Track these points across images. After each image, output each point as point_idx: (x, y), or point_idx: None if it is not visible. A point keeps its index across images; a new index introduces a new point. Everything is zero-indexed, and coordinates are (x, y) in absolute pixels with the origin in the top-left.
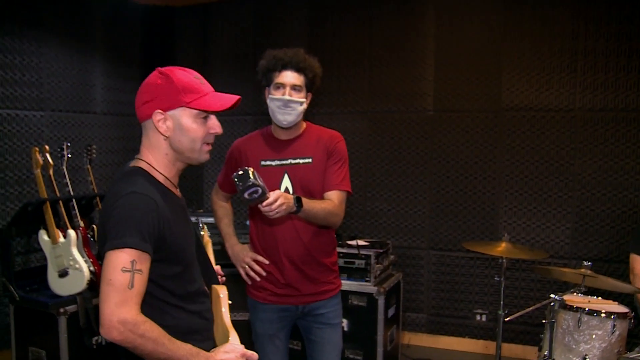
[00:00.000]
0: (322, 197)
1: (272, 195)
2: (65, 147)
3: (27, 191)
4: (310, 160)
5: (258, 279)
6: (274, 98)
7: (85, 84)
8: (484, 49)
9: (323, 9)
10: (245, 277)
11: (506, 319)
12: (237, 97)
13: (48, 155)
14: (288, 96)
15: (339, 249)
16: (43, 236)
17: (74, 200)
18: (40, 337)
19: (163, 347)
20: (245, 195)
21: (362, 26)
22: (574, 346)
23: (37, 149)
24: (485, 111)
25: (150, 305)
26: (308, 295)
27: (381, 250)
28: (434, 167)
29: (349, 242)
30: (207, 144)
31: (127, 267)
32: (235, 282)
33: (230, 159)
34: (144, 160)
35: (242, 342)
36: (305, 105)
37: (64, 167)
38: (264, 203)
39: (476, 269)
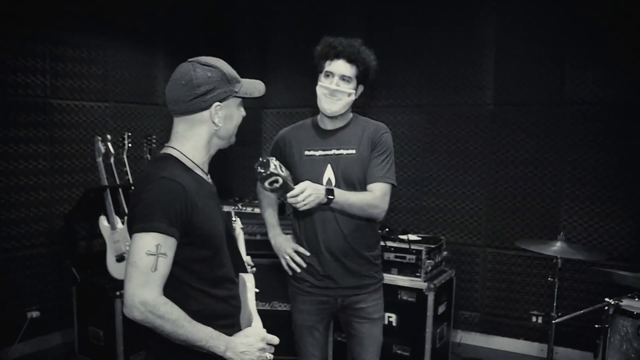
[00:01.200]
0: (364, 189)
1: (298, 187)
2: (126, 136)
3: (92, 179)
4: (354, 151)
5: (299, 270)
6: (322, 86)
7: (148, 76)
8: (547, 39)
9: (381, 0)
10: (286, 267)
11: (554, 321)
12: (260, 81)
13: (109, 145)
14: (335, 86)
15: (390, 243)
16: (103, 222)
17: (133, 188)
18: (99, 318)
19: (182, 329)
20: (266, 184)
21: (421, 17)
22: (632, 355)
23: (99, 138)
24: (547, 105)
25: (176, 289)
26: (348, 289)
27: (433, 246)
28: (492, 163)
29: (401, 237)
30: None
31: (151, 251)
32: (277, 272)
33: (276, 148)
34: (174, 148)
35: (283, 333)
36: (353, 97)
37: (125, 156)
38: (288, 194)
39: (533, 268)
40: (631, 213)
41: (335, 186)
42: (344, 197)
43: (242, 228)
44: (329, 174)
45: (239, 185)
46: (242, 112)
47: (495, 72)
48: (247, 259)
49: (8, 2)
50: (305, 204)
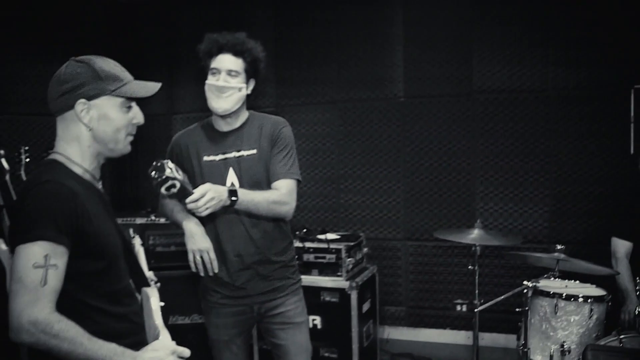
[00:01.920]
0: (270, 189)
1: (198, 191)
2: (22, 151)
3: None
4: (255, 151)
5: (210, 273)
6: (209, 84)
7: (45, 85)
8: (454, 31)
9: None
10: (192, 264)
11: (476, 310)
12: (159, 84)
13: (3, 160)
14: (222, 82)
15: (309, 244)
16: (0, 245)
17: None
18: None
19: (82, 347)
20: (162, 190)
21: (330, 13)
22: (551, 333)
23: None
24: (456, 95)
25: (70, 309)
26: (263, 294)
27: (353, 244)
28: (407, 155)
29: (319, 237)
30: (130, 134)
31: (39, 263)
32: (189, 284)
33: (172, 155)
34: (60, 154)
35: (206, 346)
36: (245, 92)
37: (22, 172)
38: (188, 199)
39: (454, 258)
40: (542, 196)
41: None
42: (249, 197)
43: (141, 244)
44: (231, 178)
45: (150, 196)
46: (132, 117)
47: (404, 65)
48: (149, 274)
49: None
50: (207, 208)
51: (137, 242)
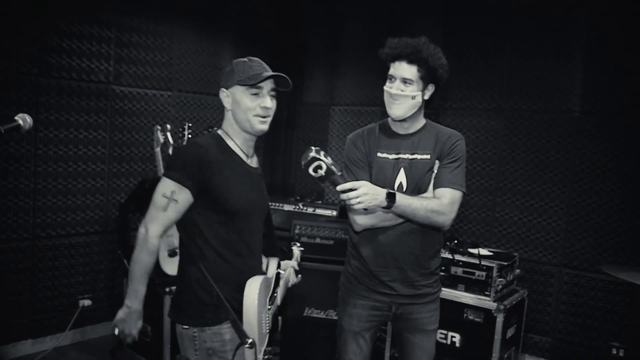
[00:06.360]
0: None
1: (352, 183)
2: (186, 127)
3: (150, 168)
4: (428, 156)
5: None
6: (385, 89)
7: (213, 66)
8: None
9: None
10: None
11: None
12: (279, 74)
13: (169, 134)
14: (396, 90)
15: (458, 257)
16: None
17: None
18: (148, 313)
19: (136, 264)
20: (310, 170)
21: (502, 14)
22: None
23: (159, 127)
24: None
25: (196, 245)
26: (405, 297)
27: (506, 263)
28: (575, 175)
29: (471, 250)
30: (258, 116)
31: (166, 194)
32: (330, 279)
33: (355, 152)
34: (221, 129)
35: (332, 343)
36: (419, 99)
37: None
38: (339, 187)
39: (617, 295)
40: None
41: (406, 190)
42: (407, 201)
43: (300, 248)
44: (401, 178)
45: (301, 184)
46: (259, 101)
47: (585, 76)
48: (296, 254)
49: None
50: (359, 202)
51: (296, 249)
